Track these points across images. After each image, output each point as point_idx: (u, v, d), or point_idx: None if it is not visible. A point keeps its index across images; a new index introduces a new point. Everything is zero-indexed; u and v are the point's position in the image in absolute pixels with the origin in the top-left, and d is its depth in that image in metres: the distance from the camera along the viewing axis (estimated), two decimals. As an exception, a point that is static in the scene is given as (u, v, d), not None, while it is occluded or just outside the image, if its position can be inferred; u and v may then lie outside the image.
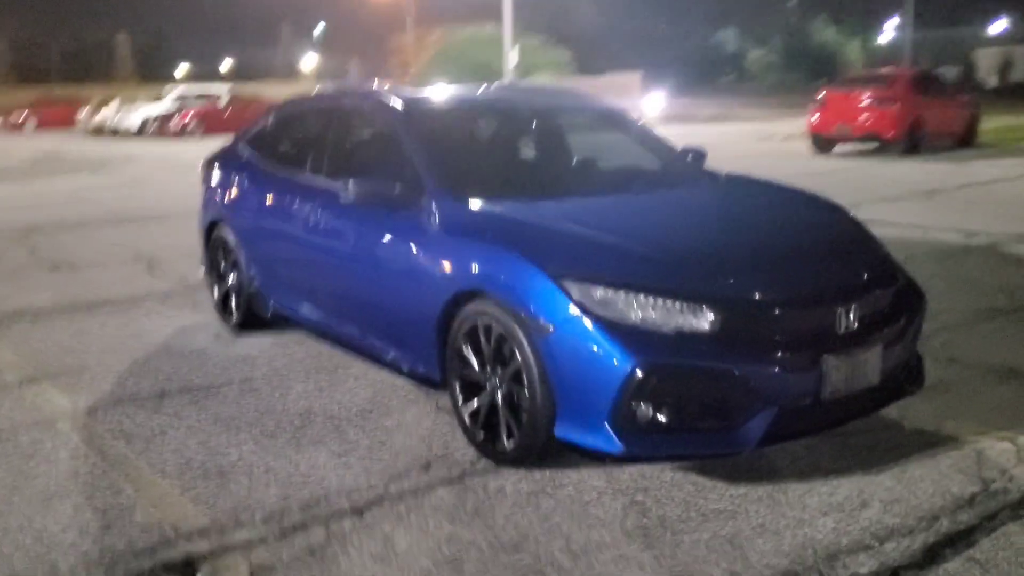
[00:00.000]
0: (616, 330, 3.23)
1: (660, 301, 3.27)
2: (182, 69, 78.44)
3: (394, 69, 51.51)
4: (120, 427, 4.16)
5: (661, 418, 3.24)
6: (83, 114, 37.38)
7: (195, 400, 4.51)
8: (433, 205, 4.03)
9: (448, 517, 3.24)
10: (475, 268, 3.71)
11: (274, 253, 5.26)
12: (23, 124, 39.53)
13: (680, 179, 4.88)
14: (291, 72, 70.95)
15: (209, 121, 31.54)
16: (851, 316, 3.46)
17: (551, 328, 3.34)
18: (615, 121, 5.42)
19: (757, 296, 3.36)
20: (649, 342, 3.22)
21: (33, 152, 25.97)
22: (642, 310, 3.26)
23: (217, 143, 6.89)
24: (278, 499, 3.41)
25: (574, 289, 3.33)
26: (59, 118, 39.45)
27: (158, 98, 34.63)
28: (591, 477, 3.52)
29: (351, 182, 4.19)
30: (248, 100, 33.64)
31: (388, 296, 4.24)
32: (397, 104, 4.68)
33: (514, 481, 3.51)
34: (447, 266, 3.85)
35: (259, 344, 5.43)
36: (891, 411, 4.04)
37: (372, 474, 3.62)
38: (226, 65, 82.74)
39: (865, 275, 3.72)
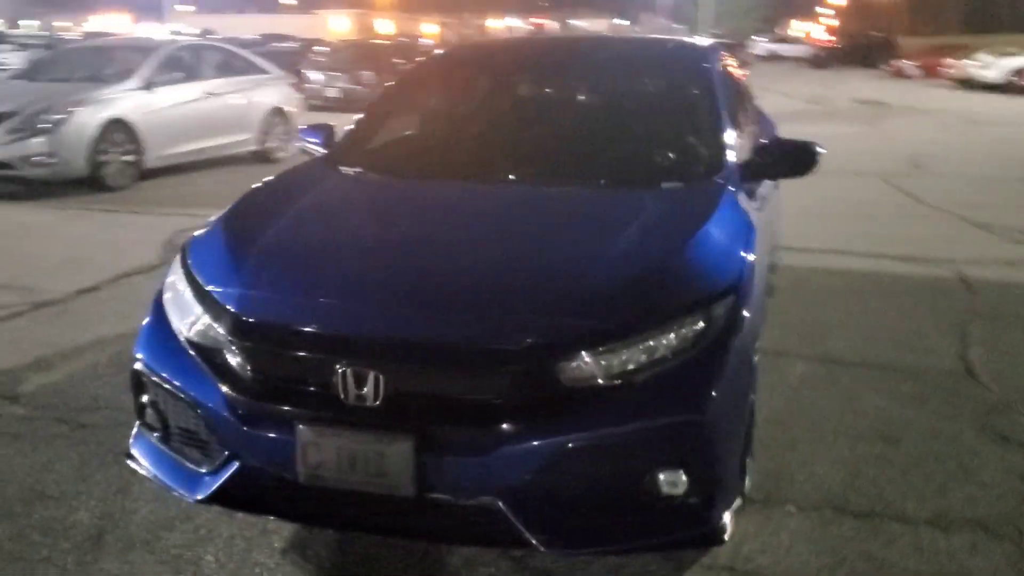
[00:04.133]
0: (159, 315, 2.90)
1: (205, 299, 2.77)
2: None
3: None
4: None
5: (158, 428, 2.84)
6: (953, 63, 32.57)
7: None
8: (335, 168, 3.83)
9: None
10: None
11: None
12: (901, 69, 38.32)
13: (633, 182, 3.47)
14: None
15: None
16: (369, 384, 2.42)
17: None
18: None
19: (264, 318, 2.64)
20: (165, 339, 2.80)
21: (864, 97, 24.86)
22: (189, 303, 2.81)
23: None
24: None
25: (180, 256, 3.07)
26: (932, 66, 35.99)
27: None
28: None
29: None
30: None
31: None
32: (441, 50, 4.72)
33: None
34: None
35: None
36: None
37: None
38: None
39: (474, 335, 2.47)
